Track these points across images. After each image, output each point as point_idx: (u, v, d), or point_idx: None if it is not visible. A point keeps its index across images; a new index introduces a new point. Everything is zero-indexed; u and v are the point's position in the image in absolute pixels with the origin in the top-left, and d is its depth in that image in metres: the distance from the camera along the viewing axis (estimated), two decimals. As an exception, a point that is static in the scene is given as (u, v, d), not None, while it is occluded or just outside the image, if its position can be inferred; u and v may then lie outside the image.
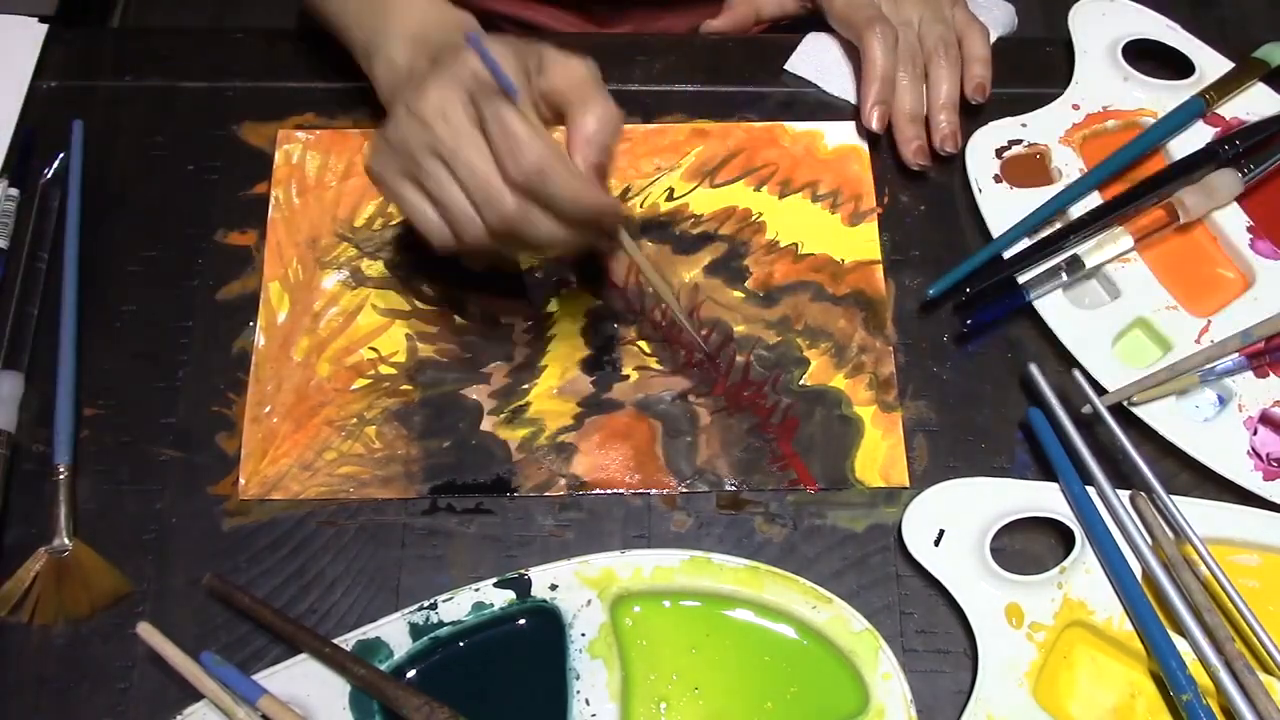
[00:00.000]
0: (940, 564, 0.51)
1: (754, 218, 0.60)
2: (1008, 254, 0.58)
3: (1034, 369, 0.54)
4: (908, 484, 0.53)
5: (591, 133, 0.47)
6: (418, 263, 0.57)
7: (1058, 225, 0.59)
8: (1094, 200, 0.59)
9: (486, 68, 0.46)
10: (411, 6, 0.54)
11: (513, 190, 0.46)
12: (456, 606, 0.49)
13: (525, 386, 0.55)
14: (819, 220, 0.60)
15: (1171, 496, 0.51)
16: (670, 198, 0.60)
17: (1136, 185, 0.59)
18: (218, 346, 0.56)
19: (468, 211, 0.46)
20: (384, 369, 0.55)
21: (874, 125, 0.61)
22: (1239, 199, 0.59)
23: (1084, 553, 0.51)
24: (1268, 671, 0.48)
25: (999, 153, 0.61)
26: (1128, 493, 0.52)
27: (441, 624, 0.49)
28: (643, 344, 0.56)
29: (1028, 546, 0.52)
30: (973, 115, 0.62)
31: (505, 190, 0.45)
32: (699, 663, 0.49)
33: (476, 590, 0.50)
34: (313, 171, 0.60)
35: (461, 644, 0.49)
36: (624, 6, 0.75)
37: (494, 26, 0.76)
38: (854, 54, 0.63)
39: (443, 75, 0.47)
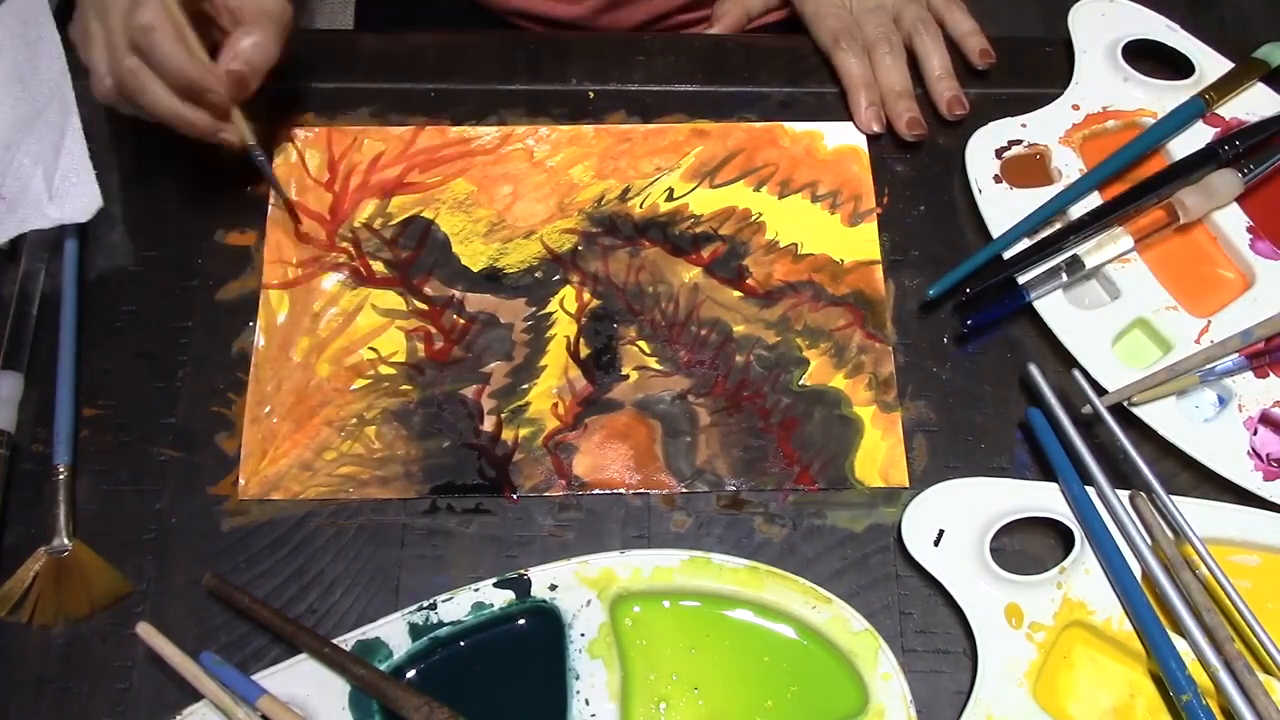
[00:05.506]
0: (940, 564, 0.51)
1: (754, 218, 0.60)
2: (1008, 254, 0.58)
3: (1034, 369, 0.54)
4: (907, 484, 0.53)
5: (241, 47, 0.53)
6: (418, 263, 0.57)
7: (1058, 225, 0.59)
8: (1094, 200, 0.59)
9: None
10: None
11: (131, 50, 0.50)
12: (456, 606, 0.49)
13: (525, 386, 0.55)
14: (818, 220, 0.60)
15: (1171, 496, 0.51)
16: (670, 198, 0.60)
17: (1136, 185, 0.59)
18: (218, 347, 0.56)
19: (100, 67, 0.52)
20: (384, 369, 0.55)
21: (874, 128, 0.62)
22: (1239, 199, 0.59)
23: (1084, 553, 0.51)
24: (1267, 671, 0.48)
25: (999, 153, 0.61)
26: (1127, 493, 0.52)
27: (441, 624, 0.49)
28: (643, 344, 0.57)
29: (1027, 546, 0.52)
30: (973, 115, 0.62)
31: (126, 49, 0.50)
32: (699, 663, 0.49)
33: (476, 590, 0.50)
34: (313, 170, 0.60)
35: (461, 644, 0.49)
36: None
37: (505, 22, 0.77)
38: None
39: None
